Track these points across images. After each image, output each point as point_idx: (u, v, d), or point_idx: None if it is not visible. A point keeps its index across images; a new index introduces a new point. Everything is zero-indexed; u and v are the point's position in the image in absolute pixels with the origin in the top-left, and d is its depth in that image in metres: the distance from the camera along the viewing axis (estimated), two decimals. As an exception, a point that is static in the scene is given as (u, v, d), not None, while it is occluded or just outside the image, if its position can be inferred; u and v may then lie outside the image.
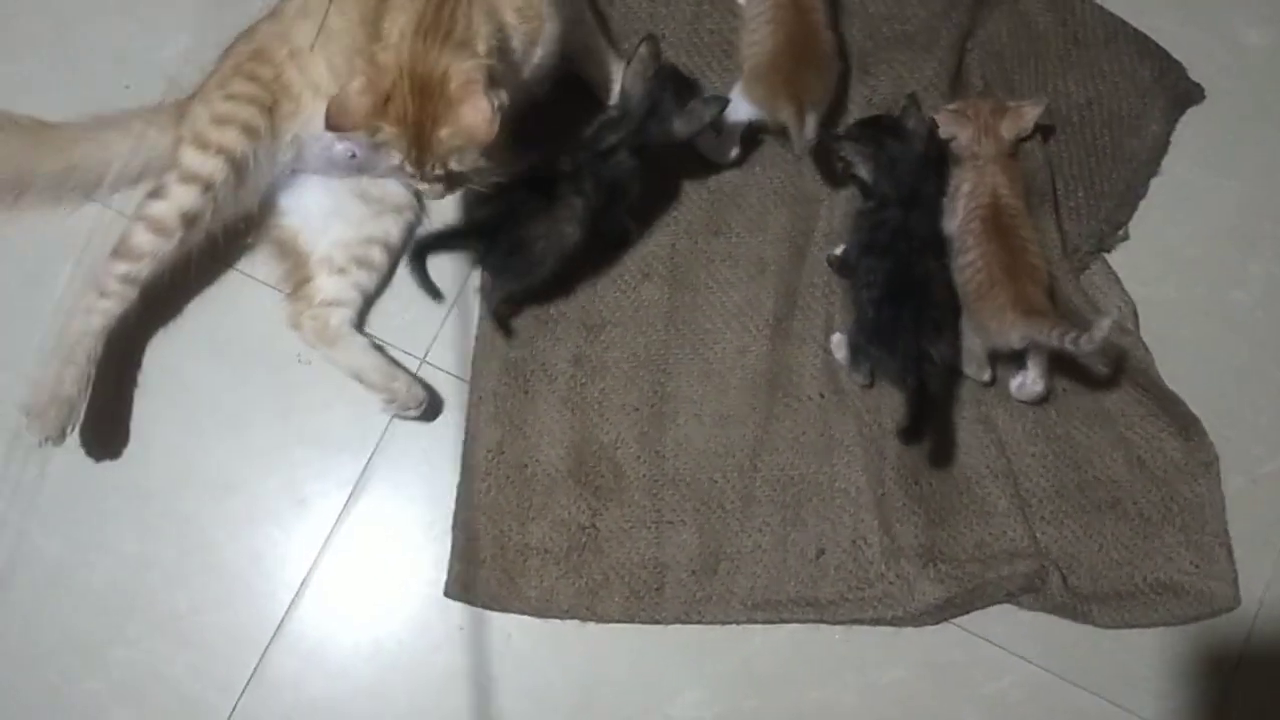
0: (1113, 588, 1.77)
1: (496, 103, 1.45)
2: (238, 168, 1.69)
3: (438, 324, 1.87)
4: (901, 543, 1.74)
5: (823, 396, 1.83)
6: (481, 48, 1.50)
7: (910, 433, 1.70)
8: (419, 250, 1.70)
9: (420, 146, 1.49)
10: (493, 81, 1.48)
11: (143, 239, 1.67)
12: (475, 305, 1.87)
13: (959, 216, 1.80)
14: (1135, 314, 1.87)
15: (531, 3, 1.60)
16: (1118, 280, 1.89)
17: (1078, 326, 1.65)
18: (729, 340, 1.86)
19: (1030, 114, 1.83)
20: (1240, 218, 1.95)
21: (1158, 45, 1.99)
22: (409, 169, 1.53)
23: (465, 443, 1.82)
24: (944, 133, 1.82)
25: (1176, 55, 1.99)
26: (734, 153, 1.91)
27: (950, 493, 1.79)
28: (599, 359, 1.85)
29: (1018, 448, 1.81)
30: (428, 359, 1.87)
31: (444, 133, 1.47)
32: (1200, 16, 2.02)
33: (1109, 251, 1.92)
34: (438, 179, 1.55)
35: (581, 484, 1.79)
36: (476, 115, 1.45)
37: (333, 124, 1.48)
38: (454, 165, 1.53)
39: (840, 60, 1.89)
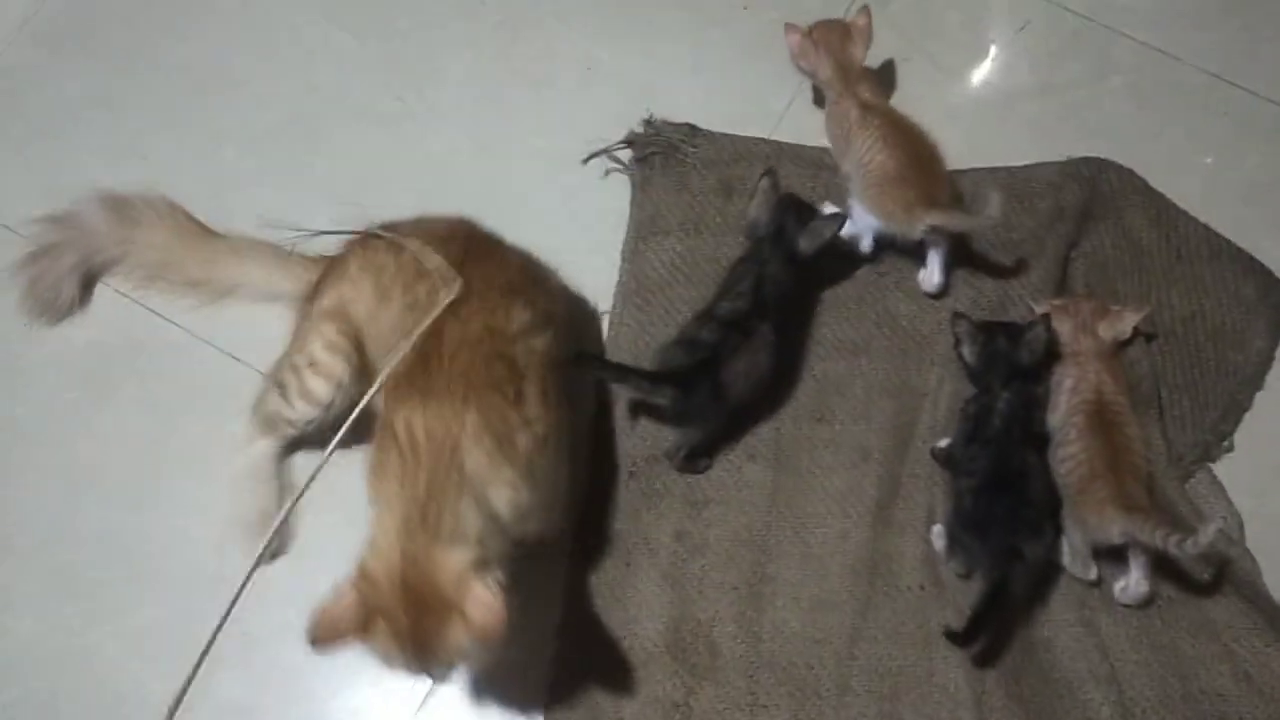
0: (1217, 808, 1.71)
1: (496, 587, 1.37)
2: (347, 385, 1.76)
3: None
4: (1001, 744, 1.71)
5: (923, 588, 1.82)
6: (472, 536, 1.43)
7: (964, 636, 1.71)
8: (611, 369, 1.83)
9: (424, 654, 1.39)
10: (486, 565, 1.41)
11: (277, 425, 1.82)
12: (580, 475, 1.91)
13: (1061, 410, 1.84)
14: (1241, 525, 1.87)
15: (521, 493, 1.52)
16: (1223, 490, 1.89)
17: (1181, 529, 1.66)
18: (830, 525, 1.88)
19: (1129, 319, 1.89)
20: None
21: (1261, 264, 2.04)
22: (412, 671, 1.43)
23: (563, 612, 1.83)
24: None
25: (1280, 274, 2.04)
26: (868, 245, 2.01)
27: (1051, 696, 1.75)
28: (701, 536, 1.87)
29: (1121, 654, 1.78)
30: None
31: (451, 635, 1.37)
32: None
33: (1214, 461, 1.92)
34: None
35: (678, 660, 1.79)
36: (483, 611, 1.35)
37: (316, 644, 1.37)
38: (463, 660, 1.45)
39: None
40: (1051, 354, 1.88)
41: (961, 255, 2.02)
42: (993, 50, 2.30)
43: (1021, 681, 1.76)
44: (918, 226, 1.91)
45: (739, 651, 1.80)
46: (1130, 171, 2.10)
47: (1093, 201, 2.07)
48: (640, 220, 2.09)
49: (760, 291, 1.86)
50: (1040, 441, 1.83)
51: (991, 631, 1.74)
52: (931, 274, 1.99)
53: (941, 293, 2.01)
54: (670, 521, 1.88)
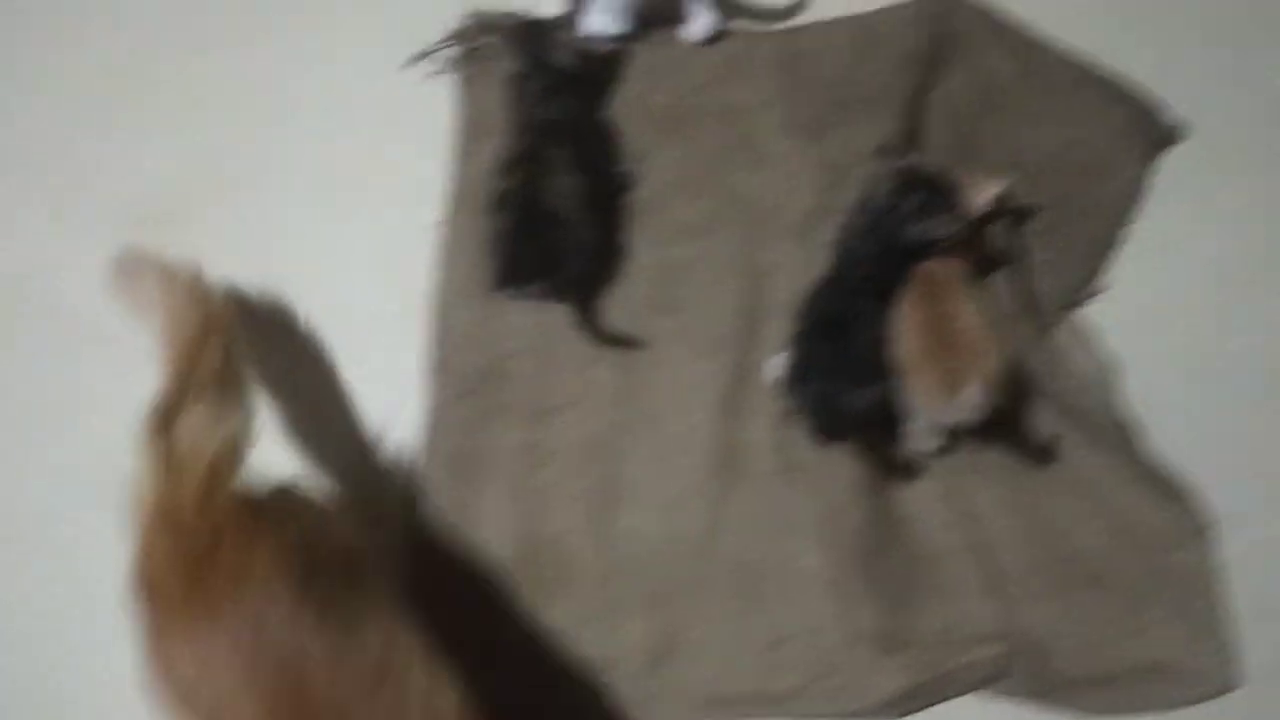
0: (1099, 670, 1.61)
1: None
2: None
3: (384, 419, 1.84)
4: (861, 628, 1.63)
5: (778, 474, 1.73)
6: None
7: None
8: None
9: None
10: None
11: None
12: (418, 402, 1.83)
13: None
14: (1113, 373, 1.75)
15: None
16: (1092, 338, 1.77)
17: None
18: (680, 420, 1.78)
19: (988, 190, 1.71)
20: (1227, 262, 1.81)
21: (1130, 89, 1.89)
22: None
23: (410, 539, 1.76)
24: None
25: (1156, 97, 1.89)
26: (618, 22, 1.94)
27: (915, 572, 1.67)
28: (547, 446, 1.79)
29: (989, 521, 1.68)
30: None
31: None
32: (1175, 52, 1.91)
33: (1085, 306, 1.80)
34: None
35: (530, 577, 1.72)
36: None
37: None
38: None
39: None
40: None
41: (808, 121, 1.90)
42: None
43: (883, 561, 1.67)
44: None
45: (591, 560, 1.73)
46: (981, 6, 1.95)
47: (944, 43, 1.92)
48: (468, 121, 1.97)
49: (536, 119, 1.82)
50: (887, 299, 1.69)
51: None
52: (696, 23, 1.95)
53: (716, 35, 1.96)
54: (515, 434, 1.80)
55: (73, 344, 1.84)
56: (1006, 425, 1.64)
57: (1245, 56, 1.91)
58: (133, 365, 1.52)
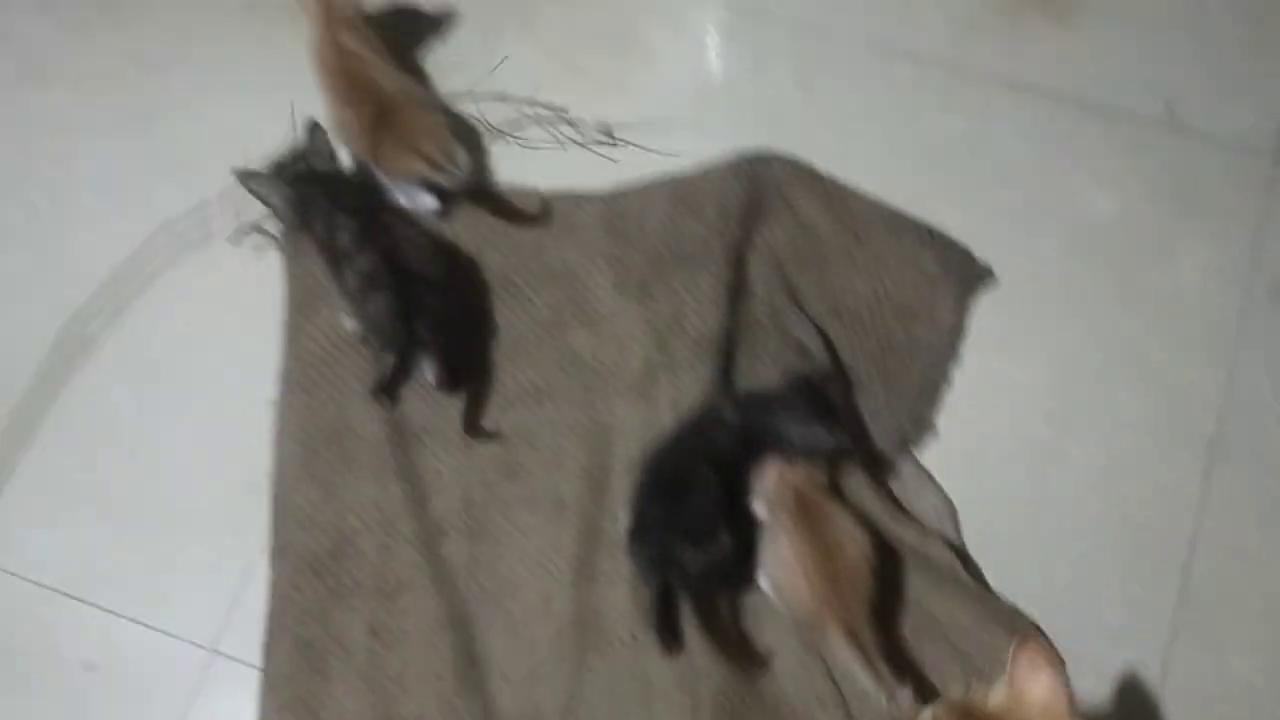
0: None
1: None
2: None
3: (226, 607, 1.76)
4: (730, 790, 1.61)
5: (635, 638, 1.71)
6: None
7: (662, 635, 1.63)
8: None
9: None
10: None
11: None
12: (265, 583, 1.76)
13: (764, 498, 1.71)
14: (954, 514, 1.80)
15: None
16: (930, 479, 1.82)
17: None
18: (532, 589, 1.76)
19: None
20: (1051, 397, 1.89)
21: (940, 232, 1.98)
22: None
23: (258, 741, 1.68)
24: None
25: (963, 240, 1.98)
26: (428, 202, 1.97)
27: (779, 725, 1.67)
28: (398, 627, 1.74)
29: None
30: (219, 648, 1.75)
31: None
32: (978, 200, 2.01)
33: (916, 447, 1.85)
34: None
35: (387, 768, 1.66)
36: None
37: None
38: None
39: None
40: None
41: (634, 281, 1.93)
42: (650, 56, 2.20)
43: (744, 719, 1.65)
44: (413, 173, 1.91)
45: (452, 744, 1.67)
46: (794, 160, 2.03)
47: (761, 196, 1.99)
48: (297, 295, 1.94)
49: (348, 227, 1.84)
50: (731, 469, 1.71)
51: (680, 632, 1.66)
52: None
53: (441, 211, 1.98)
54: (363, 617, 1.74)
55: None
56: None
57: (1041, 196, 2.02)
58: None
